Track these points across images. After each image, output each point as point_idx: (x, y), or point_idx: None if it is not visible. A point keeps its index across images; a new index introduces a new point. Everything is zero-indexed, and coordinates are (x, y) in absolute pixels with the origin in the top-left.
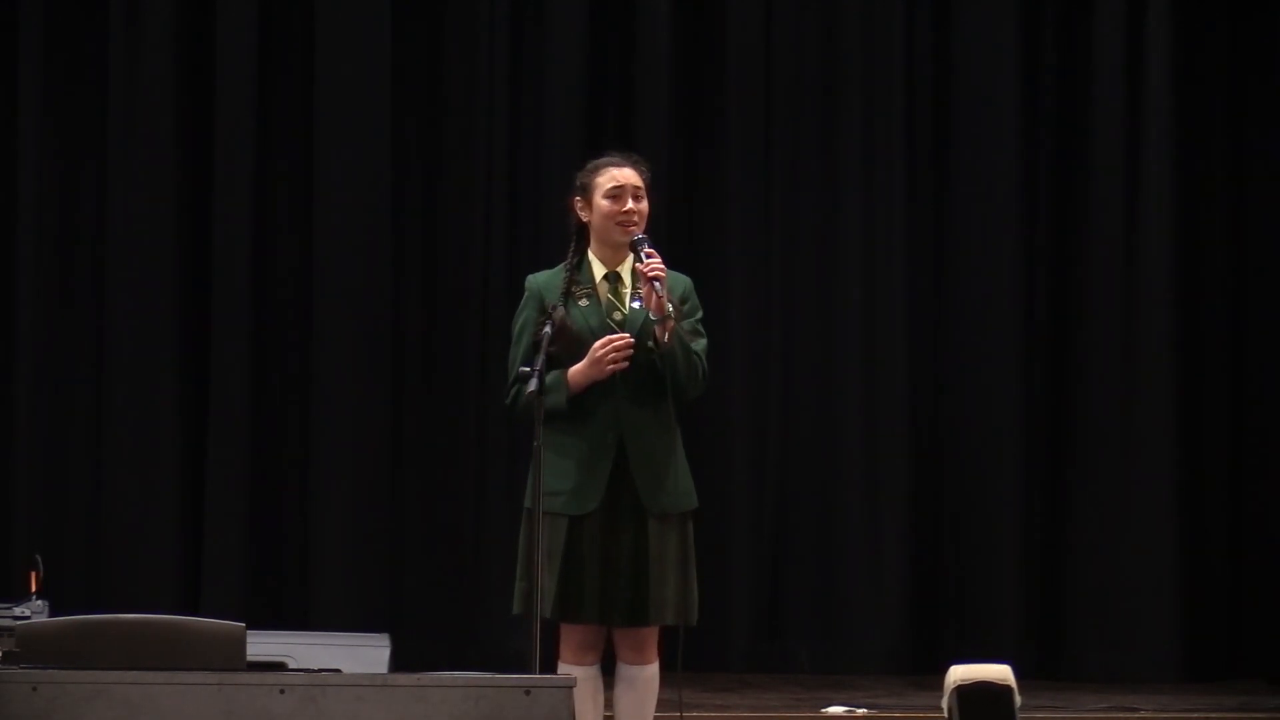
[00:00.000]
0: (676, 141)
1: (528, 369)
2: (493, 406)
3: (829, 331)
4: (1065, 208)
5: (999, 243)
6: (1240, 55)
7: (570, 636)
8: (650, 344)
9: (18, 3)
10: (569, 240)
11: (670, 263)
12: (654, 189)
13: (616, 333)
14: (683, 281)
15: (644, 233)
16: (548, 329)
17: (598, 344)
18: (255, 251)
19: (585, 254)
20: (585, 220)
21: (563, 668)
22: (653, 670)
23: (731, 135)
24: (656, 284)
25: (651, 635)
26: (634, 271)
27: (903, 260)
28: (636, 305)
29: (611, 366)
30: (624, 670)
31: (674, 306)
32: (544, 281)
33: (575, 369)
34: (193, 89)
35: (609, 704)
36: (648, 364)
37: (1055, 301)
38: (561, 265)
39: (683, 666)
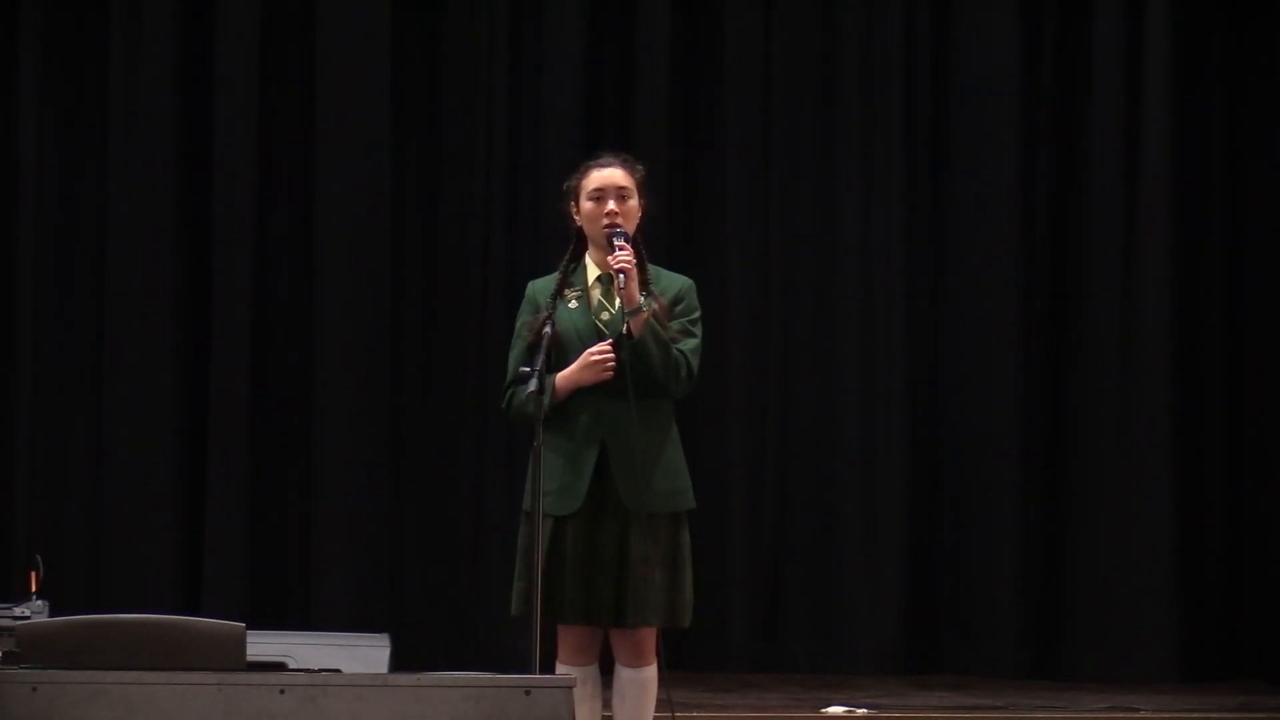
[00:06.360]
0: (676, 142)
1: (527, 369)
2: (492, 408)
3: (827, 331)
4: (1064, 207)
5: (997, 243)
6: (1239, 57)
7: (564, 637)
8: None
9: (18, 1)
10: (569, 244)
11: (669, 262)
12: (653, 189)
13: (602, 333)
14: (679, 282)
15: (635, 231)
16: (548, 329)
17: (591, 350)
18: (255, 252)
19: (581, 258)
20: (578, 224)
21: (559, 668)
22: (649, 673)
23: (731, 135)
24: (621, 276)
25: (648, 637)
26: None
27: (901, 259)
28: None
29: (607, 373)
30: (620, 672)
31: (659, 303)
32: (541, 287)
33: (563, 374)
34: (193, 87)
35: (607, 705)
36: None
37: (1053, 303)
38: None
39: (679, 667)
